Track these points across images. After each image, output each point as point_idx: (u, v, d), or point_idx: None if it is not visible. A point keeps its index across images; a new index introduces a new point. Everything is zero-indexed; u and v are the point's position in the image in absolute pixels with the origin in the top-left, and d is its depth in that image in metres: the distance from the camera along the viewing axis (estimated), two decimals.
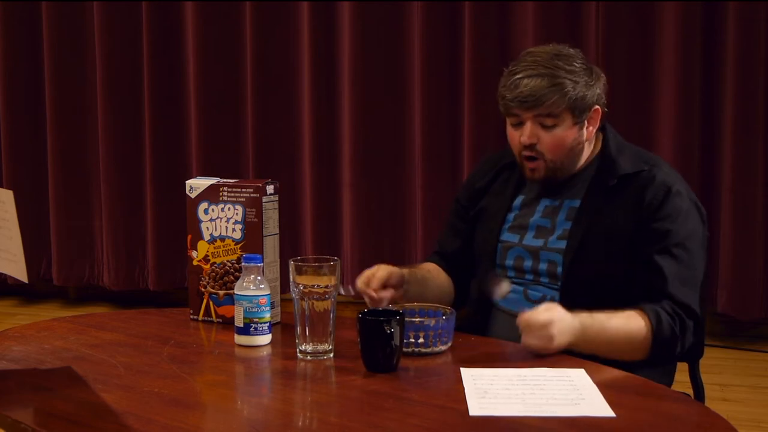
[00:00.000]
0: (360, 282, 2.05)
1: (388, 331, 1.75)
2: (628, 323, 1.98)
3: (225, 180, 2.12)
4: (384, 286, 2.04)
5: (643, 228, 2.06)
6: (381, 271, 2.05)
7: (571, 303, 1.96)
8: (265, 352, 1.94)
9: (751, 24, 4.03)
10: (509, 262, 2.19)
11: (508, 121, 2.13)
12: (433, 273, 2.28)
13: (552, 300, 2.06)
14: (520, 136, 2.10)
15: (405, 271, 2.12)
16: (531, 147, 2.09)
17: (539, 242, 2.15)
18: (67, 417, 1.57)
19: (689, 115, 4.15)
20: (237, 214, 2.08)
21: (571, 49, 2.12)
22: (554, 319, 1.87)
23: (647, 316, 1.99)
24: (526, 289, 2.16)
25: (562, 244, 2.11)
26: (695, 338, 2.07)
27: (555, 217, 2.16)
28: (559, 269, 2.11)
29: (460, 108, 4.41)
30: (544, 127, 2.08)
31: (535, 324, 1.86)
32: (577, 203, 2.14)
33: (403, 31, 4.46)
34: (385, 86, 4.49)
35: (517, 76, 2.06)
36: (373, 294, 2.01)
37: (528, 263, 2.16)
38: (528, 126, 2.08)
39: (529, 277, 2.16)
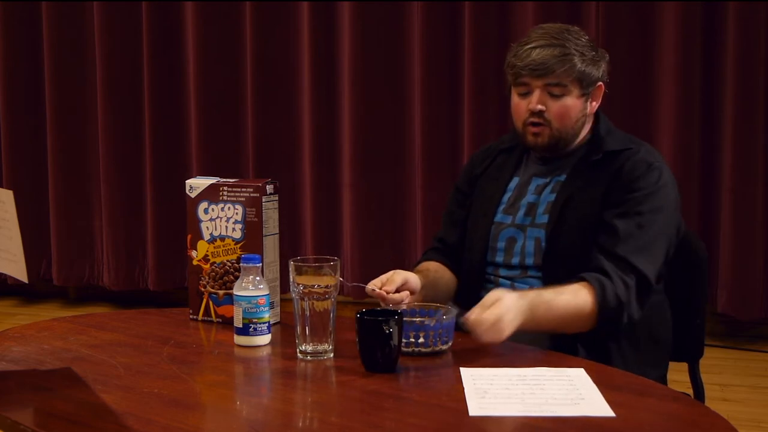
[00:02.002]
0: (371, 284, 2.03)
1: (387, 331, 1.75)
2: (575, 298, 2.01)
3: (225, 180, 2.12)
4: (398, 290, 2.04)
5: (614, 195, 2.10)
6: (397, 276, 2.05)
7: (552, 276, 2.03)
8: (265, 352, 1.94)
9: (751, 24, 4.04)
10: (501, 244, 2.21)
11: (515, 90, 2.18)
12: (440, 273, 2.28)
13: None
14: (528, 104, 2.15)
15: (419, 276, 2.13)
16: (539, 114, 2.14)
17: (528, 220, 2.19)
18: (67, 417, 1.57)
19: (689, 115, 4.15)
20: (237, 213, 2.08)
21: (577, 28, 2.19)
22: (502, 313, 1.89)
23: (593, 287, 2.02)
24: (513, 283, 2.17)
25: (546, 219, 2.16)
26: (647, 299, 2.08)
27: (542, 193, 2.20)
28: (543, 244, 2.14)
29: (460, 108, 4.41)
30: (552, 95, 2.13)
31: (485, 324, 1.88)
32: (563, 178, 2.19)
33: (403, 31, 4.46)
34: (385, 86, 4.49)
35: (529, 46, 2.13)
36: (383, 293, 1.99)
37: (519, 243, 2.18)
38: (537, 93, 2.13)
39: (516, 260, 2.18)
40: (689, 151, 4.16)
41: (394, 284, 2.02)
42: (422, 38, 4.39)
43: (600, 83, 2.18)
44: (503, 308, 1.89)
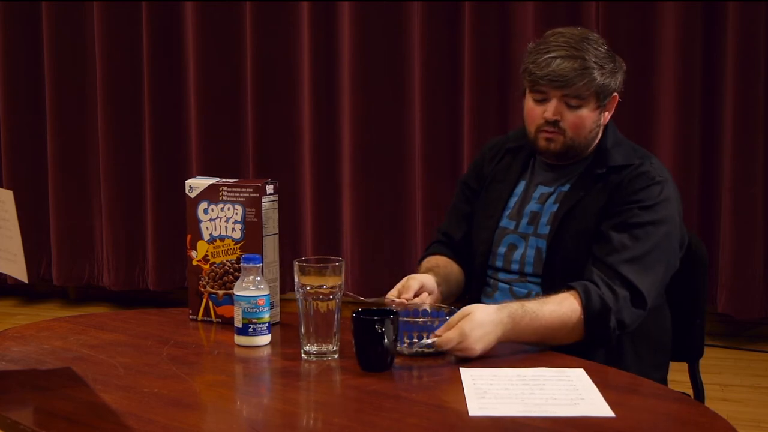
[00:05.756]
0: (389, 294, 2.04)
1: (379, 330, 1.75)
2: (561, 307, 1.96)
3: (225, 180, 2.12)
4: (416, 295, 2.05)
5: (613, 207, 2.08)
6: (412, 281, 2.06)
7: (551, 286, 2.00)
8: (265, 352, 1.94)
9: (751, 24, 4.03)
10: (502, 249, 2.21)
11: (531, 96, 2.15)
12: (449, 267, 2.27)
13: (537, 296, 2.05)
14: (543, 111, 2.13)
15: (432, 275, 2.14)
16: (554, 123, 2.12)
17: (530, 228, 2.19)
18: (67, 417, 1.57)
19: (689, 114, 4.15)
20: (237, 213, 2.08)
21: (596, 34, 2.17)
22: (467, 330, 1.82)
23: (577, 292, 1.98)
24: (512, 287, 2.17)
25: (548, 229, 2.15)
26: (638, 311, 2.02)
27: (545, 202, 2.20)
28: (544, 254, 2.14)
29: (460, 108, 4.41)
30: (569, 106, 2.11)
31: (450, 343, 1.82)
32: (567, 189, 2.18)
33: (403, 31, 4.46)
34: (385, 86, 4.49)
35: (549, 55, 2.09)
36: (403, 302, 2.00)
37: (519, 251, 2.18)
38: (554, 103, 2.11)
39: (515, 267, 2.18)
40: (689, 152, 4.16)
41: (411, 290, 2.04)
42: (422, 38, 4.39)
43: (615, 94, 2.16)
44: (470, 325, 1.83)
